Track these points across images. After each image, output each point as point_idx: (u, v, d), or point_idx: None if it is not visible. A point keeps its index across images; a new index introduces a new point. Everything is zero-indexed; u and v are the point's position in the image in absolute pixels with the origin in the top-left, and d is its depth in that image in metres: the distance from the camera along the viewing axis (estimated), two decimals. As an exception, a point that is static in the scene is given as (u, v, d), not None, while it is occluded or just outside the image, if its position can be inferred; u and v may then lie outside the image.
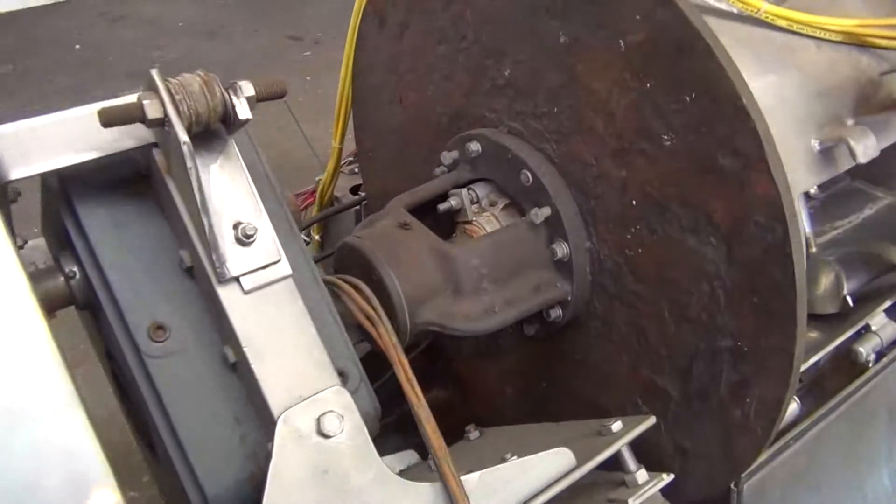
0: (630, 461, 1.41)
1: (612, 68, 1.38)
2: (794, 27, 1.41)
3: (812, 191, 2.95)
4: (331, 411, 1.14)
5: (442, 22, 1.72)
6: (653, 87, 1.32)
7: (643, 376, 1.58)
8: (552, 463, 1.31)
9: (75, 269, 1.18)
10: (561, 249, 1.56)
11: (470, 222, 1.67)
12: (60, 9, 6.36)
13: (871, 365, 1.99)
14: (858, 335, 2.01)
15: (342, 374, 1.26)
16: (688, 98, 1.27)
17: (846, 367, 2.08)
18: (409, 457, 1.58)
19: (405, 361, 1.29)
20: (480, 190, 1.69)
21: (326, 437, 1.12)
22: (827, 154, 1.37)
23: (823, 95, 1.42)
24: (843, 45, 1.46)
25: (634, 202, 1.44)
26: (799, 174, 1.35)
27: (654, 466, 1.53)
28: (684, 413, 1.53)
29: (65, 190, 1.15)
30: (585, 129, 1.48)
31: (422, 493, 1.18)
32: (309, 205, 2.59)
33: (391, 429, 2.40)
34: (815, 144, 1.37)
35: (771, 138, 1.20)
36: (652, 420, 1.41)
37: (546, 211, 1.56)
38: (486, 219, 1.67)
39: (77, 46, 5.66)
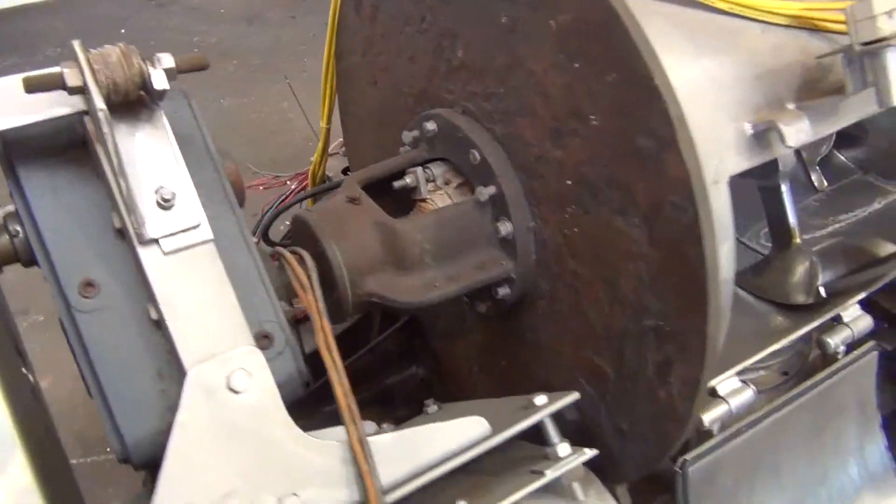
0: (553, 435, 1.44)
1: (546, 49, 1.40)
2: (737, 10, 1.41)
3: (824, 185, 2.90)
4: (241, 369, 1.20)
5: (407, 4, 1.76)
6: (581, 68, 1.34)
7: (585, 356, 1.60)
8: (466, 430, 1.35)
9: (19, 228, 1.27)
10: (504, 228, 1.59)
11: (424, 200, 1.71)
12: (115, -5, 6.58)
13: (840, 357, 1.97)
14: (830, 326, 1.99)
15: (267, 337, 1.32)
16: (609, 79, 1.29)
17: (819, 358, 2.07)
18: (367, 426, 1.62)
19: (328, 328, 1.33)
20: (437, 169, 1.73)
21: (235, 392, 1.18)
22: (760, 138, 1.36)
23: (765, 79, 1.41)
24: (790, 28, 1.45)
25: (570, 182, 1.46)
26: (728, 157, 1.35)
27: (597, 447, 1.56)
28: (619, 393, 1.55)
29: (7, 154, 1.23)
30: (527, 110, 1.50)
31: (327, 450, 1.24)
32: (306, 185, 2.67)
33: (373, 401, 2.48)
34: (748, 128, 1.36)
35: (684, 120, 1.21)
36: (574, 396, 1.44)
37: (491, 189, 1.59)
38: (440, 197, 1.71)
39: (122, 31, 5.85)
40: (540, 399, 1.44)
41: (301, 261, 1.47)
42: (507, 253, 1.62)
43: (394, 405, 2.43)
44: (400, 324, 2.31)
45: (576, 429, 1.70)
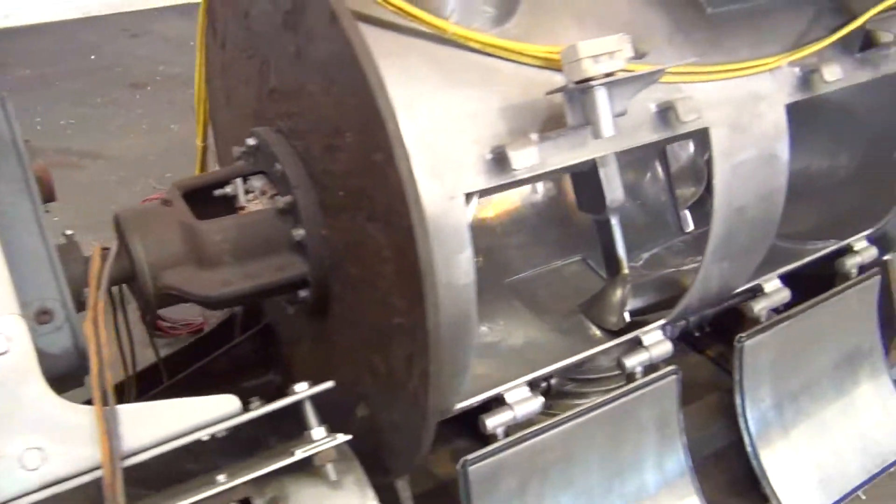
0: (311, 419, 1.60)
1: (317, 74, 1.60)
2: (490, 50, 1.60)
3: (690, 226, 3.06)
4: (1, 334, 1.37)
5: (240, 33, 1.97)
6: (338, 91, 1.54)
7: (367, 355, 1.77)
8: (215, 406, 1.50)
9: None
10: (298, 234, 1.76)
11: (243, 208, 1.89)
12: (92, 22, 6.88)
13: (638, 377, 2.13)
14: (631, 348, 2.15)
15: (47, 313, 1.49)
16: (353, 102, 1.48)
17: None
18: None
19: (100, 307, 1.50)
20: (257, 181, 1.91)
21: (-9, 354, 1.35)
22: (499, 162, 1.55)
23: (512, 112, 1.59)
24: (541, 68, 1.64)
25: (342, 193, 1.65)
26: (467, 176, 1.53)
27: (380, 441, 1.72)
28: (388, 389, 1.71)
29: None
30: (313, 128, 1.69)
31: (78, 413, 1.40)
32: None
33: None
34: (488, 154, 1.55)
35: (400, 139, 1.39)
36: (329, 384, 1.59)
37: (288, 199, 1.77)
38: (256, 205, 1.88)
39: (93, 57, 6.12)
40: (300, 386, 1.60)
41: (107, 254, 1.65)
42: (302, 257, 1.79)
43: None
44: (253, 331, 2.48)
45: (368, 425, 1.86)
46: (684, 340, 2.86)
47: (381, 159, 1.43)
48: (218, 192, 1.89)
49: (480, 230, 2.86)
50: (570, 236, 2.85)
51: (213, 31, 2.19)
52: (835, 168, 2.74)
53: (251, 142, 1.89)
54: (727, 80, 1.85)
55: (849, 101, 2.65)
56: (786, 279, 2.52)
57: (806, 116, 2.80)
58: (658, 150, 3.05)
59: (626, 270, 2.40)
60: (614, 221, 2.38)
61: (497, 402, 1.94)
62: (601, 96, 1.47)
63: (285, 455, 1.57)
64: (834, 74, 1.92)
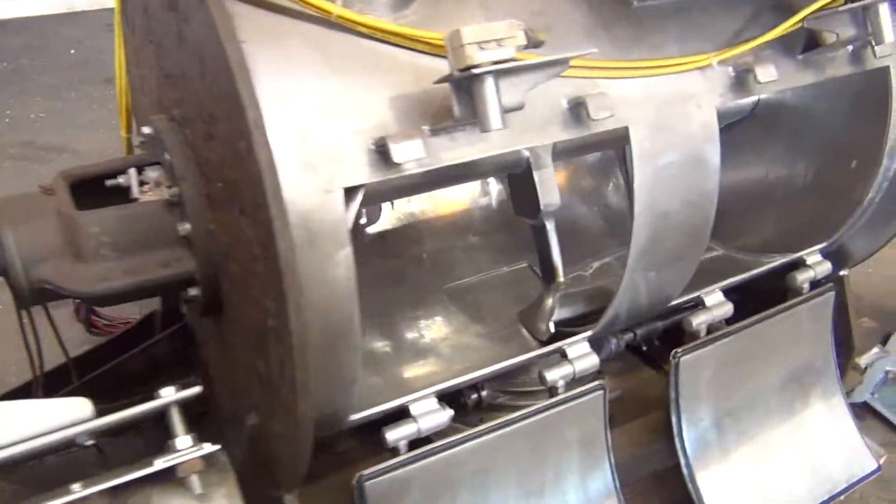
0: (176, 427, 1.49)
1: (194, 57, 1.49)
2: (378, 35, 1.50)
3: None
4: None
5: (141, 18, 1.87)
6: (209, 77, 1.43)
7: (253, 359, 1.66)
8: (67, 410, 1.40)
9: None
10: (184, 228, 1.66)
11: (136, 199, 1.79)
12: (75, 18, 6.83)
13: (560, 391, 2.01)
14: (554, 361, 2.03)
15: None
16: (221, 88, 1.37)
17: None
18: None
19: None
20: (152, 171, 1.80)
21: None
22: (382, 155, 1.44)
23: (403, 101, 1.49)
24: (438, 56, 1.53)
25: (220, 184, 1.54)
26: (347, 169, 1.42)
27: (268, 451, 1.61)
28: (269, 395, 1.60)
29: None
30: (196, 115, 1.59)
31: None
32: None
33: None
34: (371, 146, 1.44)
35: (262, 127, 1.28)
36: (196, 390, 1.49)
37: (175, 190, 1.66)
38: (150, 198, 1.78)
39: (72, 51, 6.06)
40: (166, 391, 1.49)
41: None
42: (190, 253, 1.69)
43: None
44: (171, 329, 2.37)
45: (258, 434, 1.75)
46: (639, 354, 2.75)
47: (244, 148, 1.32)
48: (110, 182, 1.78)
49: (424, 232, 2.76)
50: (519, 241, 2.73)
51: (125, 17, 2.09)
52: (793, 176, 2.62)
53: (146, 130, 1.79)
54: (651, 78, 1.74)
55: (807, 106, 2.54)
56: (735, 293, 2.40)
57: (765, 122, 2.69)
58: (618, 155, 2.94)
59: (560, 279, 2.29)
60: (549, 227, 2.27)
61: (403, 414, 1.83)
62: (488, 87, 1.36)
63: (146, 465, 1.46)
64: (768, 75, 1.80)
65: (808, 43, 1.94)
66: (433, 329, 2.46)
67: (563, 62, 1.47)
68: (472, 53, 1.34)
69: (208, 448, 1.48)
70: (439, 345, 2.40)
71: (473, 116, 1.40)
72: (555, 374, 1.99)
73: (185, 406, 2.45)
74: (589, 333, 2.03)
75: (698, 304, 2.28)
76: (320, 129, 1.41)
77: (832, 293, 2.47)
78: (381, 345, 2.33)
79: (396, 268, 2.65)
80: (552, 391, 2.03)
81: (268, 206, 1.30)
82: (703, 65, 1.79)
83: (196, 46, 1.47)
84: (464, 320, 2.51)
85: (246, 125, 1.28)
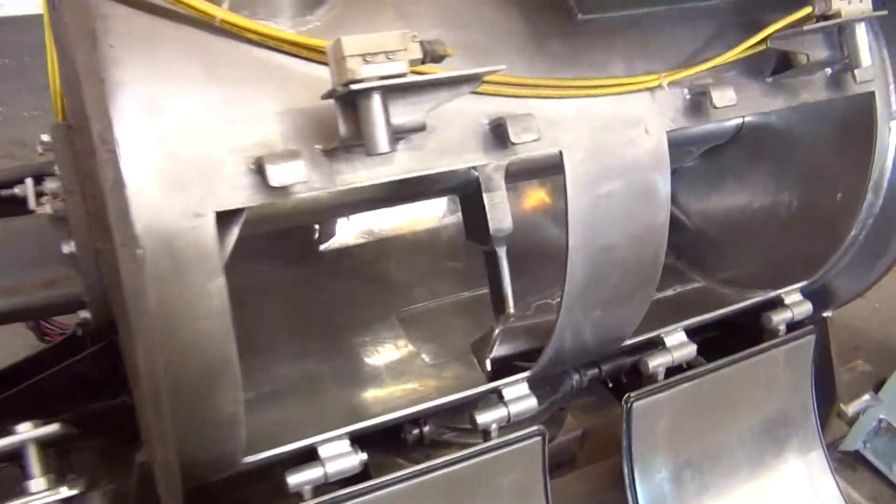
0: (32, 467, 1.35)
1: (70, 65, 1.36)
2: (268, 42, 1.35)
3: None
4: None
5: (52, 14, 1.75)
6: (75, 78, 1.29)
7: (138, 392, 1.52)
8: None
9: None
10: (69, 247, 1.53)
11: (32, 211, 1.66)
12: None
13: (493, 435, 1.84)
14: (490, 402, 1.87)
15: None
16: (80, 96, 1.23)
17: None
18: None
19: None
20: (52, 182, 1.68)
21: None
22: (263, 177, 1.29)
23: (292, 117, 1.34)
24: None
25: (94, 200, 1.40)
26: (221, 191, 1.27)
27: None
28: (146, 433, 1.46)
29: None
30: (79, 126, 1.45)
31: None
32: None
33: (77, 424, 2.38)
34: (251, 165, 1.29)
35: (109, 140, 1.15)
36: (53, 427, 1.35)
37: (59, 205, 1.53)
38: (46, 210, 1.65)
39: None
40: (23, 426, 1.36)
41: None
42: (76, 274, 1.55)
43: (98, 433, 2.34)
44: (98, 346, 2.24)
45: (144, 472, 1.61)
46: (612, 391, 2.56)
47: (94, 164, 1.18)
48: (5, 192, 1.66)
49: (382, 251, 2.61)
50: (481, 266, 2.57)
51: (52, 15, 1.97)
52: (777, 207, 2.42)
53: (45, 138, 1.66)
54: (589, 99, 1.57)
55: (793, 132, 2.35)
56: (716, 328, 2.22)
57: (750, 147, 2.50)
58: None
59: (510, 310, 2.11)
60: (501, 253, 2.10)
61: (312, 456, 1.68)
62: (374, 105, 1.20)
63: (-4, 508, 1.33)
64: (725, 99, 1.62)
65: (778, 64, 1.76)
66: (376, 357, 2.31)
67: (471, 79, 1.30)
68: (354, 67, 1.18)
69: (64, 493, 1.34)
70: (380, 376, 2.24)
71: (357, 137, 1.24)
72: (487, 417, 1.82)
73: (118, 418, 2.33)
74: (527, 374, 1.86)
75: (658, 344, 2.10)
76: (193, 144, 1.27)
77: (812, 336, 2.26)
78: (313, 374, 2.18)
79: (347, 289, 2.50)
80: (485, 435, 1.86)
81: (110, 229, 1.15)
82: (651, 86, 1.61)
83: (68, 49, 1.33)
84: (411, 350, 2.35)
85: (90, 137, 1.14)
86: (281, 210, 1.69)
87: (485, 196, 2.03)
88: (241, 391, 1.39)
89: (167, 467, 1.31)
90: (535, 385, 2.30)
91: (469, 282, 2.59)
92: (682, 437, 2.10)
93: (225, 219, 1.31)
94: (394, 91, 1.22)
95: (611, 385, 2.50)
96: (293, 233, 2.46)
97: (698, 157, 2.63)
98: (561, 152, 1.54)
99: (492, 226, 2.02)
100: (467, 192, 2.10)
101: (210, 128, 1.29)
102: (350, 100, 1.22)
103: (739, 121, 2.45)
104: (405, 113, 1.27)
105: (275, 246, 2.43)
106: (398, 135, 1.32)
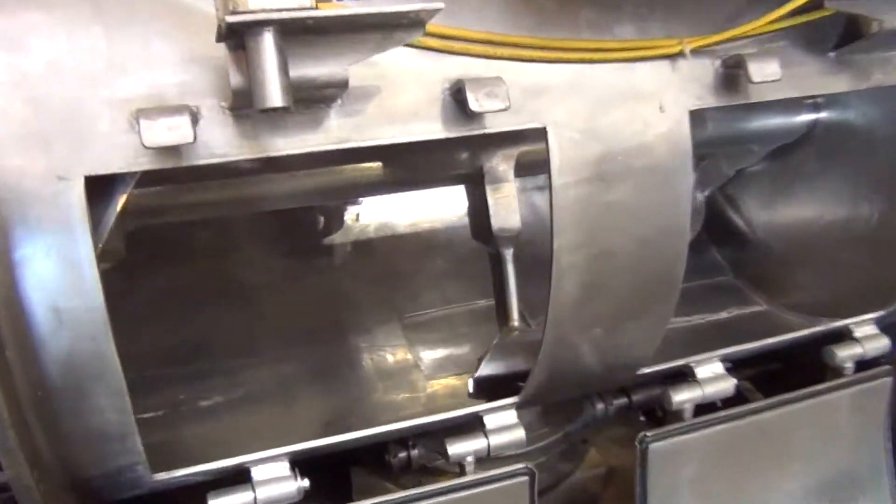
0: None
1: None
2: (177, -22, 1.11)
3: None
4: None
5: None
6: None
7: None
8: None
9: None
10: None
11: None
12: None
13: (468, 471, 1.55)
14: (467, 429, 1.58)
15: None
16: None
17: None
18: None
19: None
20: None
21: None
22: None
23: (195, 65, 1.09)
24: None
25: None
26: (92, 152, 1.04)
27: None
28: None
29: None
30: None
31: None
32: None
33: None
34: (133, 121, 1.05)
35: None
36: None
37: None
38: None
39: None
40: None
41: None
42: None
43: None
44: None
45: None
46: (648, 424, 2.21)
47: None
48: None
49: (393, 249, 2.35)
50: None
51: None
52: (853, 221, 2.01)
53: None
54: (588, 66, 1.26)
55: (875, 131, 1.94)
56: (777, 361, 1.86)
57: (824, 149, 2.11)
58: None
59: (514, 322, 1.82)
60: (507, 255, 1.81)
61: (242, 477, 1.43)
62: (265, 44, 0.94)
63: None
64: (765, 73, 1.28)
65: (846, 34, 1.40)
66: (369, 366, 2.05)
67: (408, 22, 1.02)
68: (240, -3, 0.92)
69: None
70: (368, 387, 1.98)
71: (247, 86, 0.98)
72: (461, 448, 1.53)
73: None
74: (514, 400, 1.56)
75: (688, 376, 1.75)
76: (62, 92, 1.04)
77: (889, 379, 1.85)
78: (292, 380, 1.94)
79: (350, 287, 2.25)
80: (460, 469, 1.57)
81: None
82: (670, 52, 1.29)
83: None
84: (410, 361, 2.08)
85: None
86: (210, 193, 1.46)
87: (488, 189, 1.75)
88: (124, 396, 1.15)
89: (19, 483, 1.08)
90: (547, 412, 2.01)
91: (489, 290, 2.29)
92: (712, 490, 1.74)
93: (102, 187, 1.08)
94: (294, 30, 0.96)
95: (643, 418, 2.16)
96: (294, 222, 2.23)
97: (764, 158, 2.25)
98: (545, 129, 1.23)
99: (494, 223, 1.75)
100: (472, 182, 1.82)
101: (87, 73, 1.06)
102: (239, 39, 0.96)
103: (812, 116, 2.07)
104: (319, 63, 1.01)
105: (272, 235, 2.21)
106: (319, 92, 1.06)
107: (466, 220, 2.40)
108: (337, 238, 2.31)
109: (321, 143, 1.13)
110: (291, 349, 2.02)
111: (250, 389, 1.91)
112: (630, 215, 1.33)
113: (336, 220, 2.31)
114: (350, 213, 2.31)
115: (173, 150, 1.06)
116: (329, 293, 2.21)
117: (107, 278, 1.09)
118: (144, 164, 1.06)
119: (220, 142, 1.08)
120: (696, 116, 1.33)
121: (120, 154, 1.05)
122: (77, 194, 1.04)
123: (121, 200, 1.11)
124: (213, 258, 2.12)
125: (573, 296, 1.36)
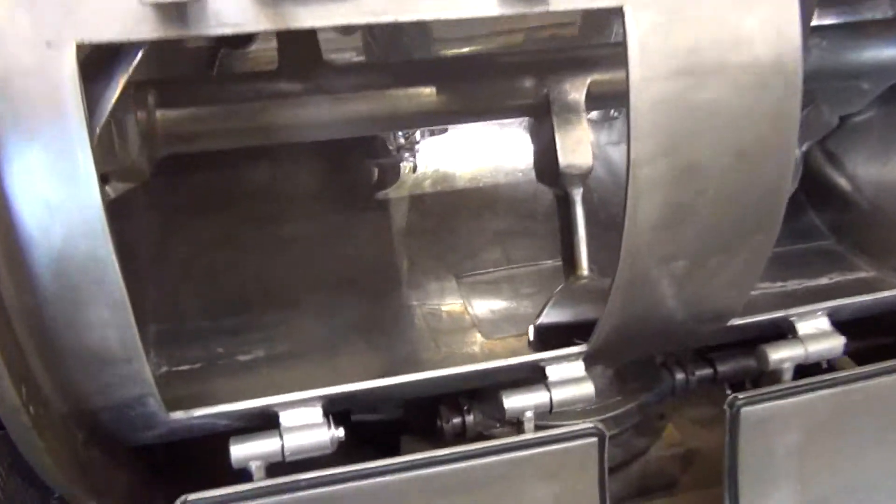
0: None
1: None
2: None
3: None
4: None
5: None
6: None
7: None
8: None
9: None
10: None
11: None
12: None
13: (527, 427, 1.36)
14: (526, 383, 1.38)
15: None
16: None
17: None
18: None
19: None
20: None
21: None
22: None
23: None
24: None
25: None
26: (96, 16, 0.89)
27: None
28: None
29: None
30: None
31: None
32: None
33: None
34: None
35: None
36: None
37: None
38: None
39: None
40: None
41: None
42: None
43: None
44: None
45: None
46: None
47: None
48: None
49: (453, 204, 2.17)
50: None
51: None
52: None
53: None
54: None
55: None
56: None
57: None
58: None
59: (583, 271, 1.61)
60: (575, 197, 1.61)
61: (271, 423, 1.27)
62: None
63: None
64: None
65: None
66: (420, 324, 1.86)
67: None
68: None
69: None
70: (418, 345, 1.80)
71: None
72: (518, 401, 1.33)
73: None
74: (582, 349, 1.35)
75: (788, 331, 1.50)
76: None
77: None
78: (339, 334, 1.77)
79: (404, 244, 2.08)
80: (518, 426, 1.37)
81: None
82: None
83: None
84: (466, 321, 1.89)
85: None
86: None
87: (555, 120, 1.55)
88: (127, 309, 1.00)
89: (3, 404, 0.94)
90: (621, 378, 1.79)
91: (556, 251, 2.09)
92: (813, 464, 1.49)
93: (98, 58, 0.93)
94: None
95: (729, 392, 1.91)
96: (346, 172, 2.08)
97: (875, 102, 1.98)
98: (622, 9, 1.03)
99: (562, 159, 1.54)
100: (537, 114, 1.62)
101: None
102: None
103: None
104: None
105: (322, 187, 2.06)
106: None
107: (531, 175, 2.19)
108: (391, 192, 2.15)
109: (352, 16, 0.96)
110: (338, 304, 1.85)
111: (292, 345, 1.75)
112: (724, 121, 1.11)
113: (391, 173, 2.15)
114: (406, 165, 2.15)
115: (177, 14, 0.90)
116: (380, 249, 2.05)
117: (148, 227, 0.96)
118: (144, 32, 0.90)
119: (233, 8, 0.92)
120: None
121: (117, 18, 0.89)
122: (69, 64, 0.89)
123: (121, 81, 0.95)
124: (261, 208, 1.99)
125: (652, 219, 1.15)
